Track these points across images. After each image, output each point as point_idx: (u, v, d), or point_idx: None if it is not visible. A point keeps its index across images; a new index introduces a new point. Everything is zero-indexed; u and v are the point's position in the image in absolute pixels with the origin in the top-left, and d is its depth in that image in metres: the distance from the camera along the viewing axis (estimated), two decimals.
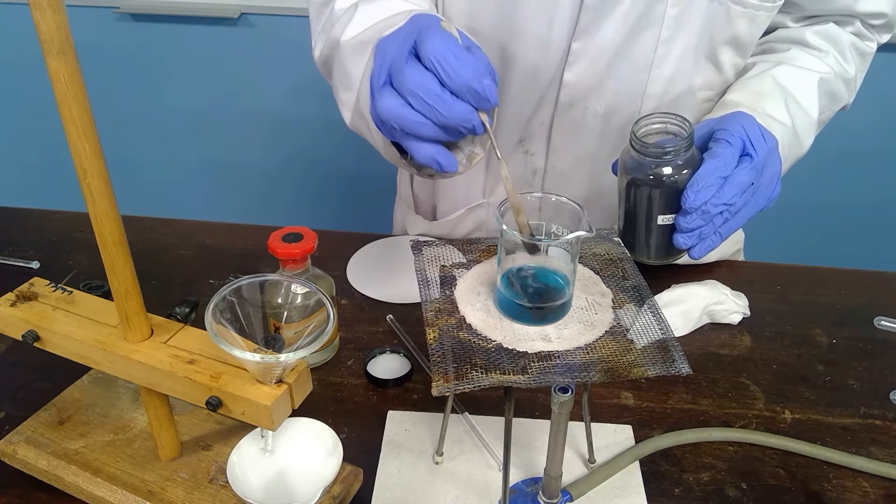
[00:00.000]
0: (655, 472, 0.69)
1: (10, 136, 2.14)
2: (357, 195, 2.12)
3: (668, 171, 0.59)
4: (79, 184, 0.52)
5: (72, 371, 0.70)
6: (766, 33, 0.86)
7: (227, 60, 1.94)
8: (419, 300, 0.59)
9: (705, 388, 0.80)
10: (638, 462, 0.70)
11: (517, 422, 0.72)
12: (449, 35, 0.54)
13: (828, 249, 2.03)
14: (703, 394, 0.79)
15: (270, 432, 0.58)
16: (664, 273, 0.89)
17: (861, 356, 0.85)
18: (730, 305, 0.87)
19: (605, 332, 0.56)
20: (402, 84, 0.53)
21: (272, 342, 0.56)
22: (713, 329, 0.88)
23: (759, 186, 0.63)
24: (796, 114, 0.80)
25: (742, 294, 0.90)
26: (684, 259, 0.64)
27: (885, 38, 0.89)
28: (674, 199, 0.60)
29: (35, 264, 0.95)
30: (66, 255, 0.97)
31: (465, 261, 0.64)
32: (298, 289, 0.69)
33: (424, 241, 0.66)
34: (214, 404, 0.55)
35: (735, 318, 0.88)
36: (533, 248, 0.56)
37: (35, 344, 0.61)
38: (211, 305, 0.54)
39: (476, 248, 0.66)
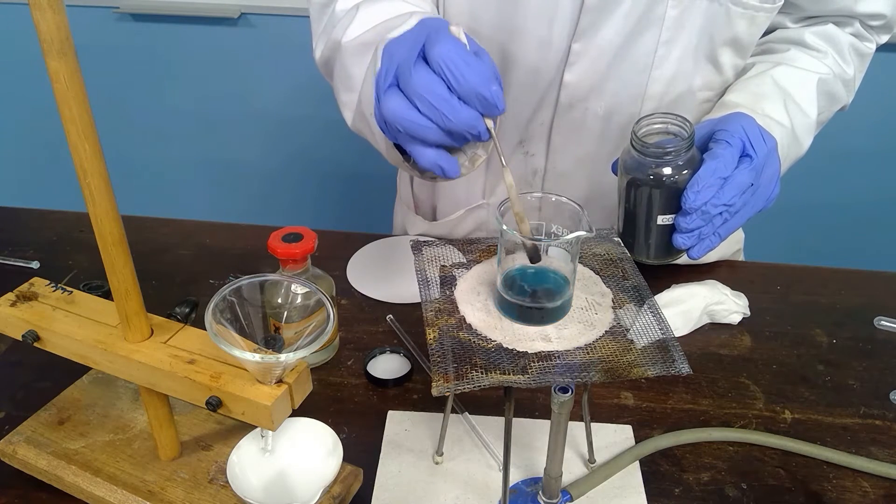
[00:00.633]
0: (655, 472, 0.69)
1: (10, 136, 2.14)
2: (357, 195, 2.12)
3: (668, 171, 0.59)
4: (79, 184, 0.52)
5: (72, 371, 0.70)
6: (765, 34, 0.86)
7: (227, 60, 1.94)
8: (419, 300, 0.59)
9: (705, 388, 0.80)
10: (638, 462, 0.70)
11: (517, 422, 0.72)
12: (458, 40, 0.54)
13: (828, 249, 2.03)
14: (703, 394, 0.79)
15: (270, 432, 0.58)
16: (664, 273, 0.89)
17: (861, 356, 0.85)
18: (730, 305, 0.87)
19: (605, 332, 0.56)
20: (410, 87, 0.53)
21: (272, 342, 0.56)
22: (713, 329, 0.88)
23: (759, 187, 0.63)
24: (795, 114, 0.80)
25: (742, 294, 0.90)
26: (684, 259, 0.64)
27: (883, 38, 0.89)
28: (674, 199, 0.60)
29: (35, 264, 0.95)
30: (66, 255, 0.97)
31: (465, 261, 0.64)
32: (298, 289, 0.69)
33: (424, 241, 0.66)
34: (214, 404, 0.55)
35: (735, 318, 0.88)
36: (535, 257, 0.55)
37: (35, 344, 0.61)
38: (211, 305, 0.54)
39: (476, 248, 0.66)
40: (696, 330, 0.87)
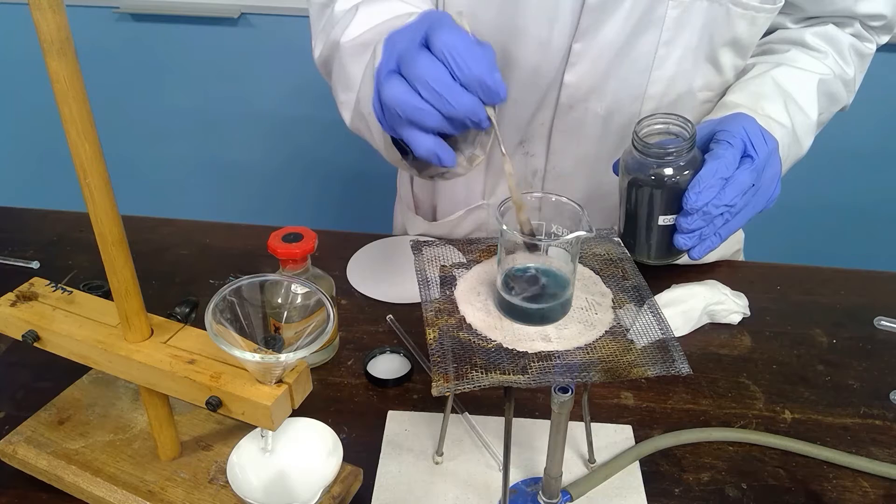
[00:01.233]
0: (655, 472, 0.69)
1: (10, 136, 2.14)
2: (357, 195, 2.12)
3: (669, 171, 0.59)
4: (79, 184, 0.52)
5: (72, 371, 0.70)
6: (766, 34, 0.86)
7: (227, 60, 1.94)
8: (419, 300, 0.59)
9: (705, 388, 0.80)
10: (638, 462, 0.70)
11: (517, 422, 0.72)
12: (461, 28, 0.54)
13: (828, 249, 2.03)
14: (703, 394, 0.79)
15: (270, 432, 0.58)
16: (664, 273, 0.89)
17: (861, 356, 0.85)
18: (730, 305, 0.87)
19: (605, 332, 0.56)
20: (412, 72, 0.53)
21: (272, 342, 0.56)
22: (713, 329, 0.88)
23: (760, 188, 0.63)
24: (796, 115, 0.80)
25: (742, 294, 0.90)
26: (684, 259, 0.64)
27: (884, 39, 0.89)
28: (675, 199, 0.60)
29: (35, 264, 0.95)
30: (66, 255, 0.97)
31: (465, 261, 0.64)
32: (298, 289, 0.69)
33: (424, 241, 0.66)
34: (214, 404, 0.55)
35: (735, 318, 0.88)
36: (532, 247, 0.56)
37: (35, 344, 0.61)
38: (211, 305, 0.54)
39: (476, 248, 0.66)
40: (696, 330, 0.87)
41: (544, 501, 0.63)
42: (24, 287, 0.64)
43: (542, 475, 0.63)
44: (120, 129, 1.98)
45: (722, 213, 0.61)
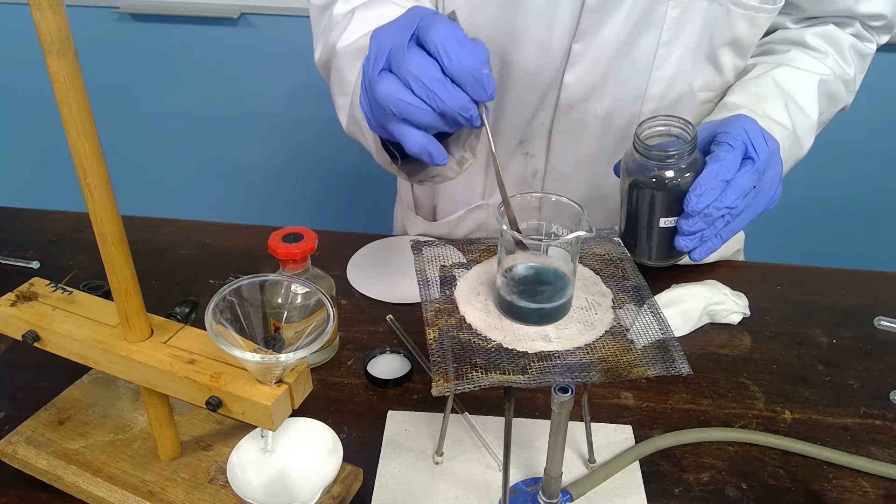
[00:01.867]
0: (655, 472, 0.69)
1: (10, 136, 2.14)
2: (357, 195, 2.12)
3: (670, 174, 0.59)
4: (79, 184, 0.52)
5: (72, 371, 0.70)
6: (766, 35, 0.86)
7: (227, 60, 1.94)
8: (419, 300, 0.59)
9: (705, 388, 0.80)
10: (638, 462, 0.70)
11: (517, 422, 0.72)
12: (454, 23, 0.54)
13: (828, 249, 2.03)
14: (703, 394, 0.79)
15: (270, 432, 0.58)
16: (664, 273, 0.89)
17: (861, 356, 0.85)
18: (730, 305, 0.87)
19: (605, 332, 0.56)
20: (404, 68, 0.53)
21: (272, 342, 0.56)
22: (713, 329, 0.88)
23: (761, 189, 0.63)
24: (796, 116, 0.80)
25: (742, 294, 0.90)
26: (684, 259, 0.64)
27: (884, 39, 0.89)
28: (676, 202, 0.60)
29: (35, 264, 0.95)
30: (66, 255, 0.97)
31: (465, 261, 0.64)
32: (298, 289, 0.69)
33: (424, 241, 0.66)
34: (214, 404, 0.55)
35: (735, 318, 0.88)
36: (522, 245, 0.55)
37: (35, 344, 0.61)
38: (211, 305, 0.54)
39: (476, 248, 0.66)
40: (696, 330, 0.87)
41: (544, 501, 0.63)
42: (24, 287, 0.64)
43: (542, 475, 0.63)
44: (120, 129, 1.97)
45: (723, 215, 0.61)
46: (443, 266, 0.63)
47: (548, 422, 0.58)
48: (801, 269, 1.00)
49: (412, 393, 0.77)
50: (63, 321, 0.61)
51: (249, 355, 0.52)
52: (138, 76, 1.99)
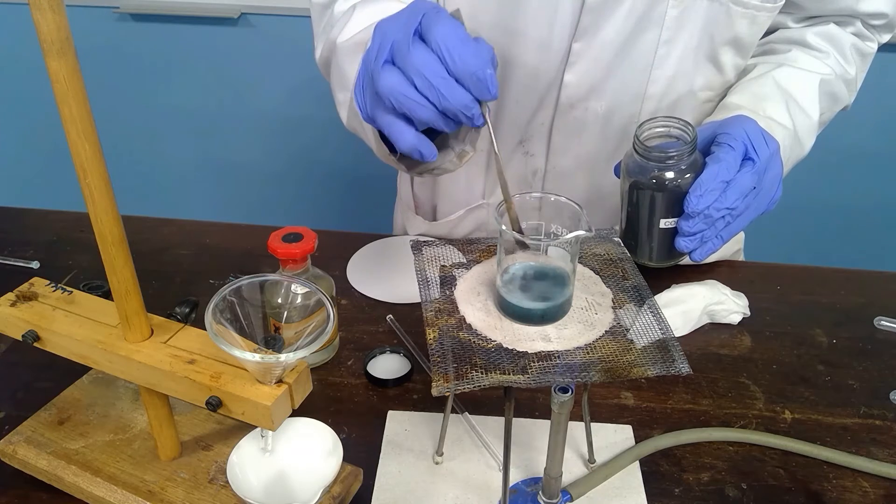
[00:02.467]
0: (655, 472, 0.69)
1: (10, 136, 2.14)
2: (357, 195, 2.12)
3: (670, 175, 0.59)
4: (79, 184, 0.52)
5: (72, 371, 0.70)
6: (766, 34, 0.86)
7: (227, 60, 1.94)
8: (419, 300, 0.59)
9: (705, 388, 0.80)
10: (638, 462, 0.70)
11: (517, 422, 0.72)
12: (457, 22, 0.54)
13: (828, 249, 2.03)
14: (703, 394, 0.79)
15: (270, 432, 0.58)
16: (664, 273, 0.88)
17: (861, 356, 0.85)
18: (730, 305, 0.87)
19: (605, 332, 0.56)
20: (408, 64, 0.53)
21: (272, 342, 0.56)
22: (713, 329, 0.88)
23: (761, 190, 0.63)
24: (797, 116, 0.80)
25: (742, 294, 0.90)
26: (684, 259, 0.64)
27: (885, 38, 0.89)
28: (676, 202, 0.60)
29: (35, 264, 0.95)
30: (66, 255, 0.97)
31: (465, 261, 0.64)
32: (298, 289, 0.69)
33: (424, 241, 0.66)
34: (214, 404, 0.55)
35: (735, 318, 0.88)
36: (523, 245, 0.55)
37: (35, 344, 0.61)
38: (211, 305, 0.54)
39: (476, 248, 0.66)
40: (696, 330, 0.87)
41: (544, 501, 0.63)
42: (24, 287, 0.64)
43: (542, 475, 0.63)
44: (120, 129, 1.98)
45: (723, 216, 0.61)
46: (443, 266, 0.63)
47: (548, 422, 0.58)
48: (801, 269, 1.00)
49: (412, 393, 0.77)
50: (63, 321, 0.61)
51: (249, 355, 0.52)
52: (138, 76, 1.99)
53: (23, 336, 0.61)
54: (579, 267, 0.62)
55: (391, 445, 0.71)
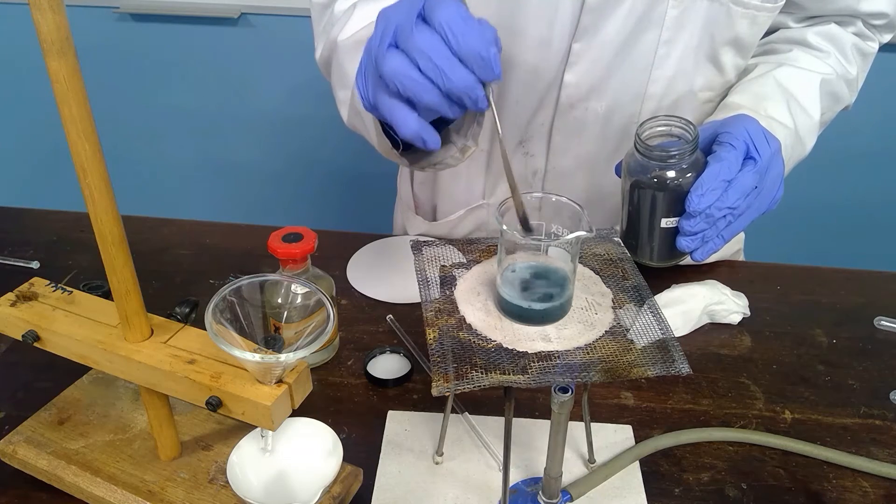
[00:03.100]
0: (655, 472, 0.69)
1: (10, 136, 2.14)
2: (357, 195, 2.12)
3: (672, 174, 0.59)
4: (79, 184, 0.52)
5: (72, 371, 0.70)
6: (767, 34, 0.86)
7: (227, 60, 1.94)
8: (419, 300, 0.59)
9: (705, 388, 0.80)
10: (638, 462, 0.70)
11: (517, 422, 0.72)
12: (459, 3, 0.53)
13: (828, 249, 2.03)
14: (703, 394, 0.79)
15: (270, 432, 0.58)
16: (664, 273, 0.88)
17: (861, 356, 0.85)
18: (730, 305, 0.87)
19: (605, 332, 0.56)
20: (411, 45, 0.52)
21: (272, 342, 0.56)
22: (713, 329, 0.88)
23: (763, 189, 0.63)
24: (798, 115, 0.80)
25: (742, 294, 0.90)
26: (685, 259, 0.64)
27: (886, 37, 0.89)
28: (677, 202, 0.60)
29: (35, 264, 0.95)
30: (66, 255, 0.97)
31: (465, 261, 0.64)
32: (298, 289, 0.69)
33: (424, 241, 0.66)
34: (214, 404, 0.55)
35: (735, 318, 0.88)
36: (527, 229, 0.55)
37: (35, 344, 0.61)
38: (211, 305, 0.54)
39: (476, 248, 0.66)
40: (696, 330, 0.87)
41: (544, 501, 0.63)
42: (24, 287, 0.64)
43: (542, 475, 0.63)
44: (120, 129, 1.98)
45: (725, 216, 0.61)
46: (443, 266, 0.63)
47: (548, 422, 0.58)
48: (801, 269, 1.00)
49: (412, 393, 0.77)
50: (63, 321, 0.61)
51: (249, 355, 0.52)
52: (138, 76, 1.99)
53: (23, 336, 0.61)
54: (579, 267, 0.62)
55: (391, 445, 0.71)
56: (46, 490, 0.65)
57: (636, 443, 0.72)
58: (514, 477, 0.68)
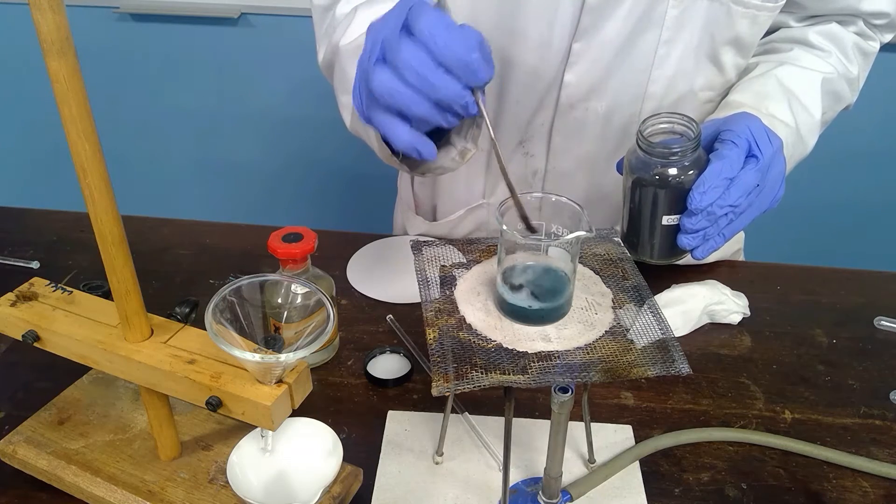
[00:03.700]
0: (655, 472, 0.69)
1: (10, 136, 2.14)
2: (357, 195, 2.12)
3: (673, 171, 0.59)
4: (79, 184, 0.52)
5: (72, 371, 0.70)
6: (768, 33, 0.86)
7: (227, 60, 1.94)
8: (419, 300, 0.59)
9: (705, 388, 0.80)
10: (638, 462, 0.70)
11: (517, 422, 0.72)
12: (441, 11, 0.53)
13: (828, 249, 2.03)
14: (703, 394, 0.79)
15: (270, 432, 0.58)
16: (664, 273, 0.89)
17: (861, 356, 0.85)
18: (730, 305, 0.87)
19: (605, 332, 0.56)
20: (397, 59, 0.52)
21: (272, 342, 0.56)
22: (713, 329, 0.88)
23: (764, 188, 0.63)
24: (800, 114, 0.80)
25: (742, 294, 0.90)
26: (685, 258, 0.64)
27: (887, 37, 0.89)
28: (679, 199, 0.60)
29: (35, 264, 0.95)
30: (66, 255, 0.97)
31: (465, 261, 0.64)
32: (298, 289, 0.69)
33: (424, 241, 0.66)
34: (214, 404, 0.55)
35: (735, 318, 0.88)
36: (528, 226, 0.55)
37: (35, 344, 0.61)
38: (211, 305, 0.54)
39: (476, 248, 0.66)
40: (696, 330, 0.87)
41: (544, 501, 0.63)
42: (24, 287, 0.64)
43: (542, 475, 0.63)
44: (120, 129, 1.98)
45: (726, 214, 0.61)
46: (443, 266, 0.63)
47: (548, 422, 0.58)
48: (801, 269, 1.00)
49: (412, 393, 0.77)
50: (63, 321, 0.61)
51: (249, 355, 0.52)
52: (138, 76, 1.99)
53: (23, 336, 0.61)
54: (579, 267, 0.62)
55: (391, 445, 0.71)
56: (46, 490, 0.65)
57: (636, 443, 0.72)
58: (514, 477, 0.68)
